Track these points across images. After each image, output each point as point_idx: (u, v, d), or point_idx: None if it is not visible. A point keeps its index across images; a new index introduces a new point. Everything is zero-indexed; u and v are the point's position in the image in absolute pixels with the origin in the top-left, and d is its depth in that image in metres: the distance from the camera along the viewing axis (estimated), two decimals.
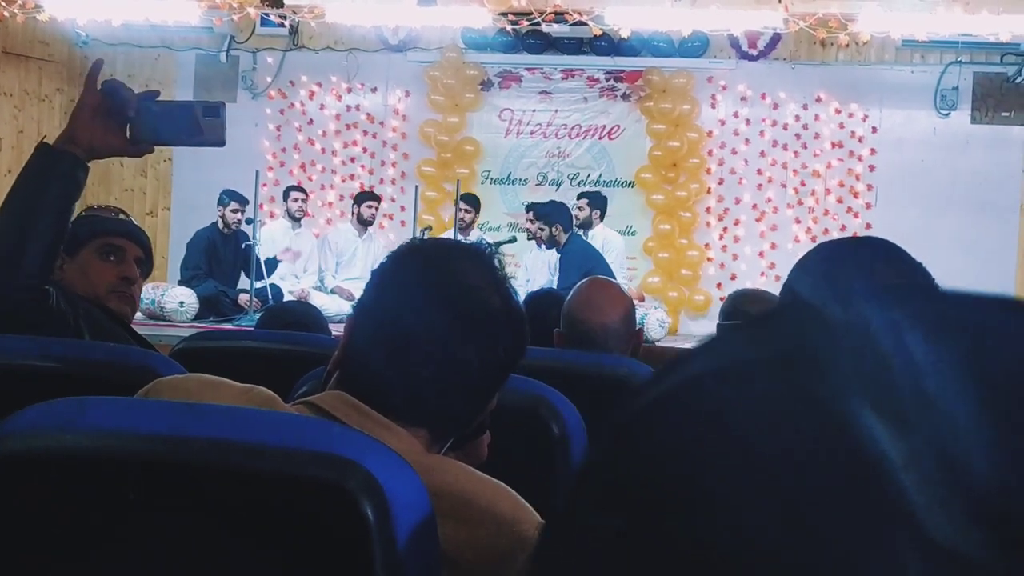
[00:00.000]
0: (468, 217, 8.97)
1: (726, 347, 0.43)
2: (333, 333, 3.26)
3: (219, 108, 2.22)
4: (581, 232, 8.71)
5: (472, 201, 9.08)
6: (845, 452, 0.37)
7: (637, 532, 0.39)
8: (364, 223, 9.22)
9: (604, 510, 0.41)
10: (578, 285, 2.86)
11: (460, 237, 8.43)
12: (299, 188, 9.44)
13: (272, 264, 8.51)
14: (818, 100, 9.79)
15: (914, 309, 0.40)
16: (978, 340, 0.39)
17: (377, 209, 9.31)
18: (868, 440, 0.37)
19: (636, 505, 0.40)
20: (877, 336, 0.39)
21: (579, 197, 9.09)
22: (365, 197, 9.32)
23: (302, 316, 3.25)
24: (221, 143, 2.21)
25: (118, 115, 2.15)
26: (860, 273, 1.48)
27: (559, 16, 9.02)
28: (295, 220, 9.15)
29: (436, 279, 1.42)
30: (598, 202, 9.01)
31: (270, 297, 8.10)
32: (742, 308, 3.43)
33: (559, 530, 0.44)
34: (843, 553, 0.36)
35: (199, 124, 2.19)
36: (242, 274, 8.57)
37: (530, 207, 8.83)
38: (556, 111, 10.15)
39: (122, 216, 2.78)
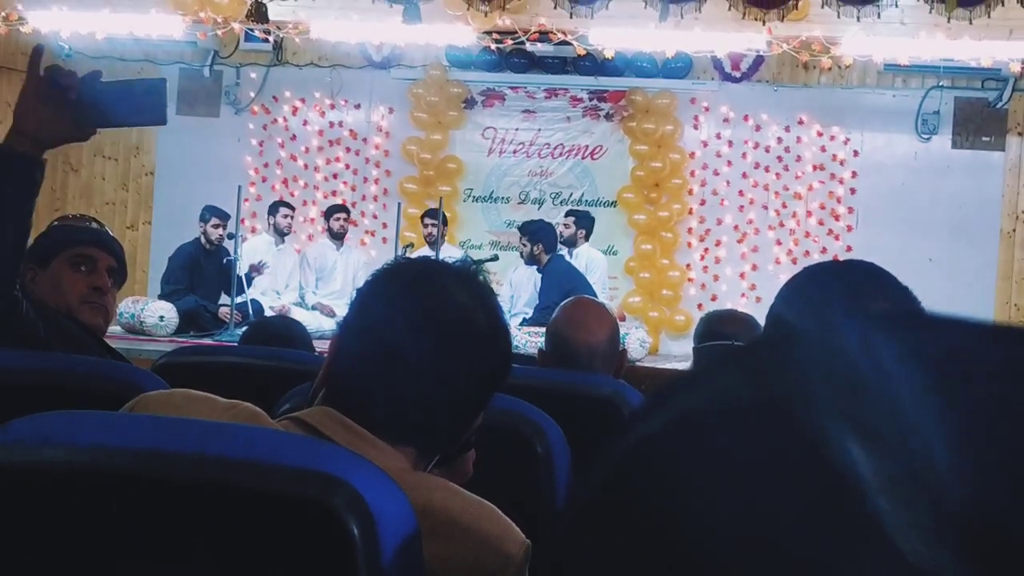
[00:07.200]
0: (435, 231, 8.86)
1: (718, 384, 0.43)
2: (316, 350, 3.26)
3: (159, 86, 2.24)
4: (565, 250, 8.72)
5: (437, 215, 8.96)
6: (823, 475, 0.37)
7: (632, 569, 0.39)
8: (336, 236, 9.22)
9: (599, 549, 0.41)
10: (563, 304, 2.83)
11: (432, 253, 8.42)
12: (287, 204, 9.41)
13: (249, 277, 8.47)
14: (800, 122, 9.83)
15: (894, 335, 0.41)
16: (955, 366, 0.40)
17: (346, 220, 9.26)
18: (846, 464, 0.37)
19: (631, 543, 0.40)
20: (855, 359, 0.40)
21: (567, 215, 9.12)
22: (333, 210, 9.32)
23: (285, 331, 3.25)
24: (162, 121, 2.25)
25: (61, 100, 2.13)
26: (847, 297, 1.49)
27: (543, 35, 9.05)
28: (280, 236, 9.14)
29: (421, 297, 1.42)
30: (585, 221, 9.03)
31: (251, 311, 8.08)
32: (717, 330, 3.43)
33: (552, 567, 0.44)
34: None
35: (140, 103, 2.22)
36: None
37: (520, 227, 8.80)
38: (539, 130, 10.17)
39: (94, 225, 2.74)
